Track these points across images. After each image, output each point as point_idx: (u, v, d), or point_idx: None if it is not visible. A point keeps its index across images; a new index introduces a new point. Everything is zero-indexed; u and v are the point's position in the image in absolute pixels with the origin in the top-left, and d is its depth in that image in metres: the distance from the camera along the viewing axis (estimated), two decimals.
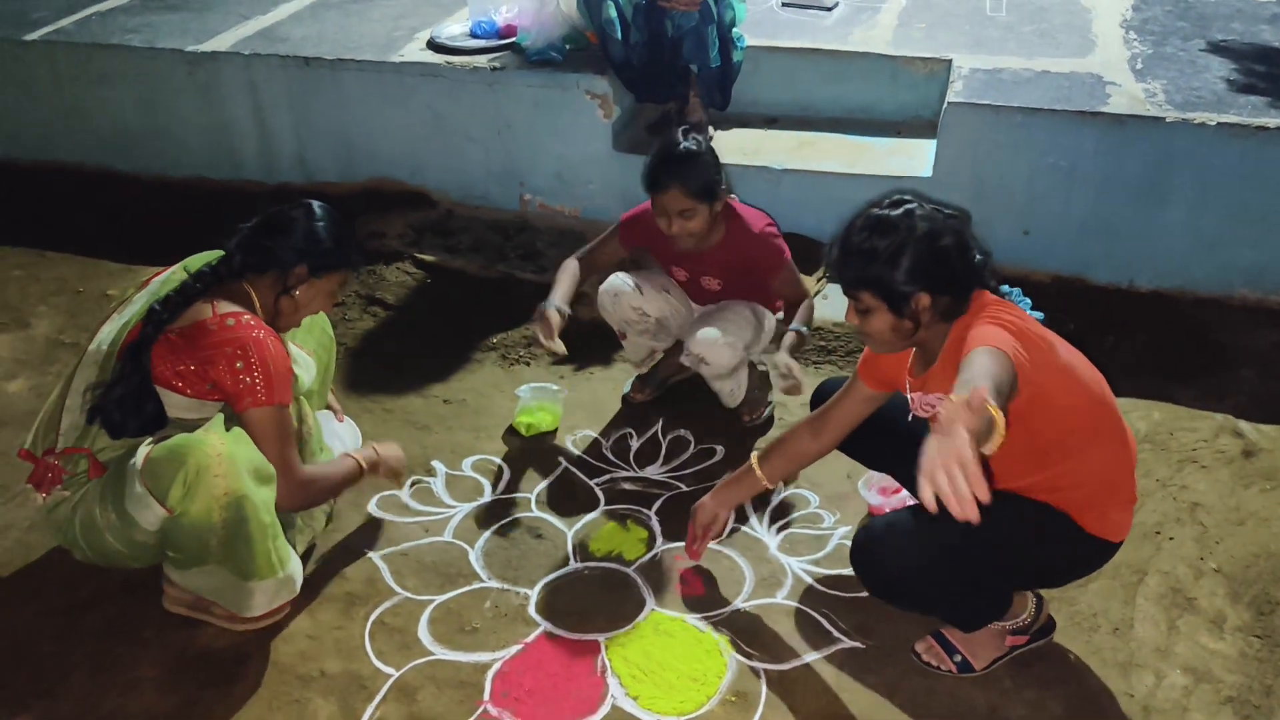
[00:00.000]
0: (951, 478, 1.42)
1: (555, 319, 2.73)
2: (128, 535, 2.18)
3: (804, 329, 2.78)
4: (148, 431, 2.17)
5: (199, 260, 2.30)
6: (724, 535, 2.48)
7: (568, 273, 2.88)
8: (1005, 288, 2.06)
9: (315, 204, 2.31)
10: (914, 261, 1.88)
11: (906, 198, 1.96)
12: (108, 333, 2.26)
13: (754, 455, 2.35)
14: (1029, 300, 2.09)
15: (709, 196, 2.68)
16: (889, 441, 2.28)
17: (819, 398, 2.46)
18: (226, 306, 2.17)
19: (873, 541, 2.13)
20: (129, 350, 2.18)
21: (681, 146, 2.68)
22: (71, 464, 2.20)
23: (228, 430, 2.14)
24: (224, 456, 2.08)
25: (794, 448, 2.32)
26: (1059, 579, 2.20)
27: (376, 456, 2.45)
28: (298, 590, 2.31)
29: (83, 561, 2.32)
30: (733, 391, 2.95)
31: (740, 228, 2.80)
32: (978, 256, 1.97)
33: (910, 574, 2.06)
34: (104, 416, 2.17)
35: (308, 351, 2.55)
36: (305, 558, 2.48)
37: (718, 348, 2.78)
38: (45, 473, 2.22)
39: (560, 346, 2.70)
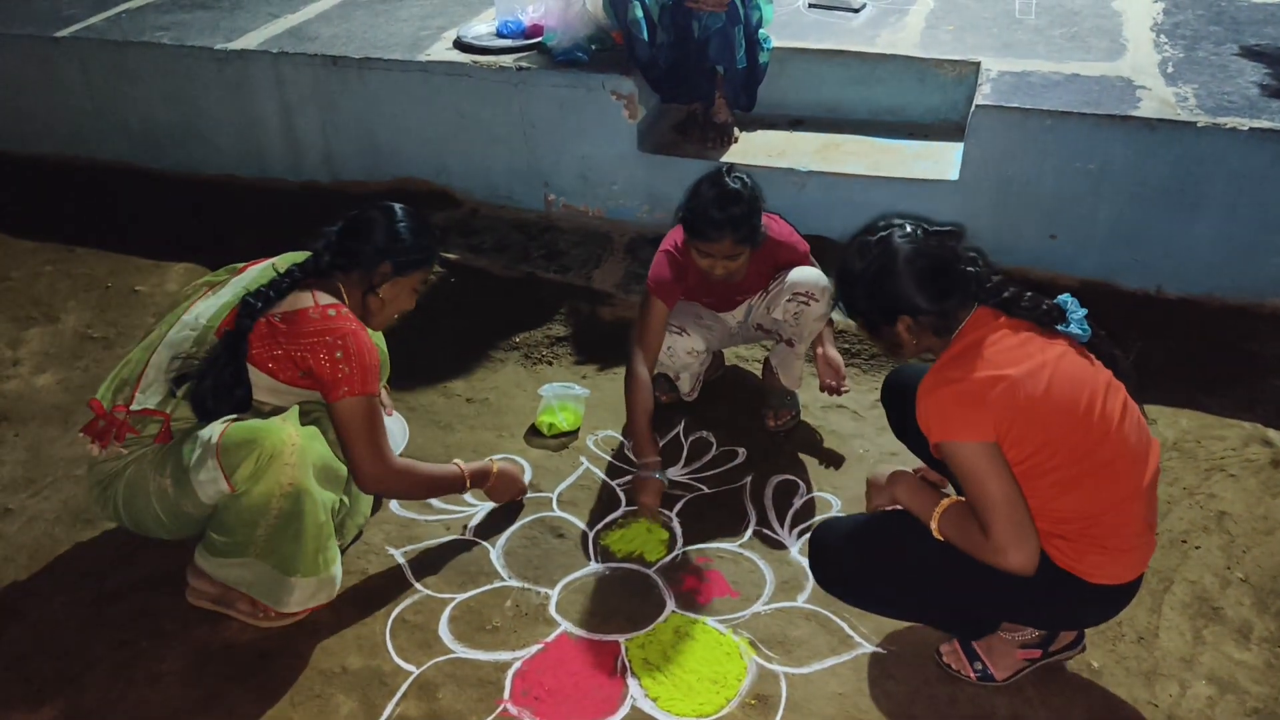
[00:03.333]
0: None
1: (661, 484, 2.64)
2: (176, 505, 2.22)
3: (830, 316, 2.82)
4: (232, 413, 2.22)
5: (288, 260, 2.38)
6: None
7: (642, 401, 2.68)
8: (1063, 297, 2.01)
9: (395, 205, 2.39)
10: (890, 287, 1.95)
11: (893, 223, 2.00)
12: (205, 308, 2.32)
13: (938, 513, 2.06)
14: (1083, 312, 2.00)
15: (758, 239, 2.67)
16: None
17: (891, 386, 2.46)
18: (326, 298, 2.26)
19: (824, 542, 2.18)
20: (227, 336, 2.23)
21: (729, 191, 2.58)
22: (141, 424, 2.24)
23: (303, 426, 2.21)
24: (298, 448, 2.16)
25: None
26: (1037, 614, 2.10)
27: (491, 475, 2.58)
28: (335, 594, 2.34)
29: (106, 519, 2.37)
30: (799, 369, 2.92)
31: (768, 241, 2.76)
32: (973, 269, 1.97)
33: (854, 578, 2.13)
34: (195, 396, 2.21)
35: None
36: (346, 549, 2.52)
37: (822, 284, 2.76)
38: (110, 428, 2.25)
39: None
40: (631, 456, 2.88)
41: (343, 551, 2.48)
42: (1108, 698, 2.16)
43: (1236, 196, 3.20)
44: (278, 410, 2.26)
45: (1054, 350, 1.92)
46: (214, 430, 2.16)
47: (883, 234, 1.99)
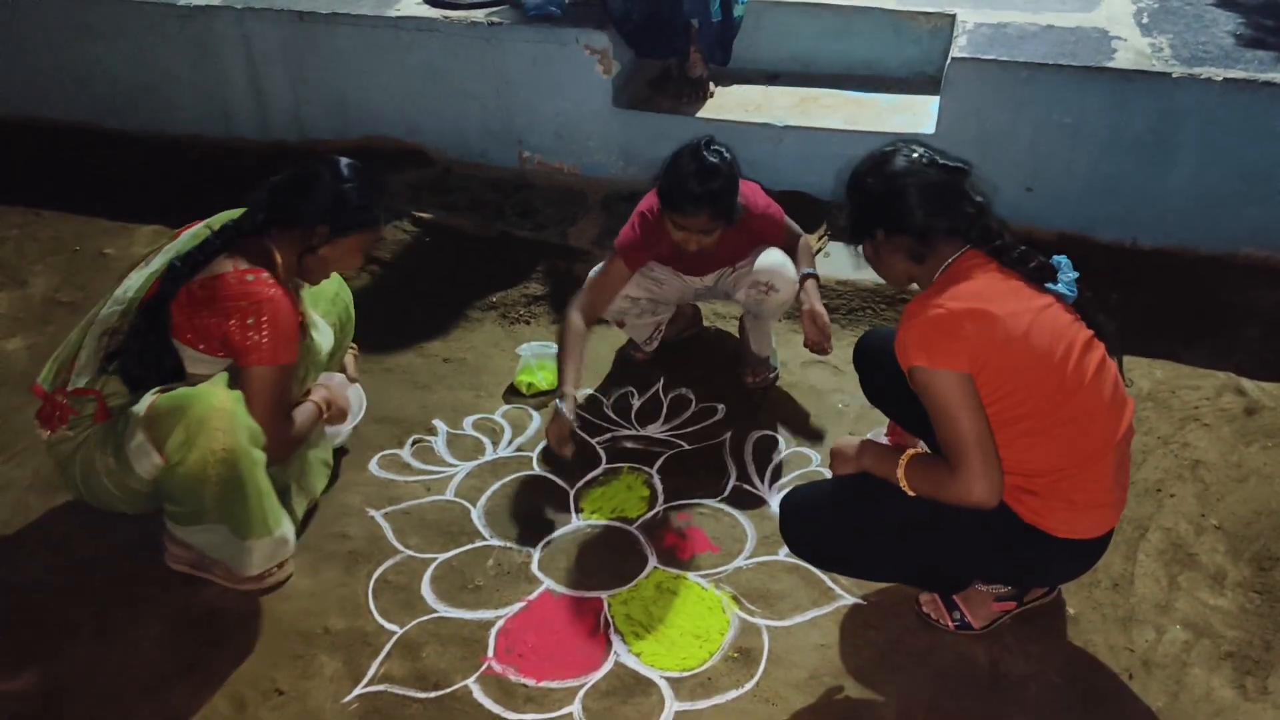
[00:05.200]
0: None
1: (569, 421, 2.53)
2: (123, 481, 2.20)
3: (814, 270, 2.81)
4: (165, 384, 2.18)
5: (223, 219, 2.31)
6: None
7: (575, 345, 2.64)
8: (1059, 259, 2.02)
9: (342, 161, 2.29)
10: (875, 196, 1.99)
11: (908, 144, 2.03)
12: (133, 281, 2.26)
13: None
14: (1074, 275, 1.99)
15: (735, 216, 2.62)
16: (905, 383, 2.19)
17: (863, 351, 2.45)
18: (245, 264, 2.18)
19: (794, 509, 2.16)
20: (148, 305, 2.18)
21: (709, 165, 2.52)
22: (79, 405, 2.21)
23: (231, 389, 2.15)
24: (226, 412, 2.10)
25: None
26: (1008, 572, 2.13)
27: (330, 395, 2.46)
28: (291, 550, 2.33)
29: (77, 499, 2.34)
30: (769, 338, 2.92)
31: (744, 214, 2.69)
32: (968, 209, 1.96)
33: (826, 543, 2.13)
34: (123, 369, 2.18)
35: (329, 322, 2.54)
36: (306, 520, 2.49)
37: (785, 274, 2.74)
38: (53, 411, 2.23)
39: (570, 452, 2.56)
40: (611, 414, 2.88)
41: (307, 515, 2.49)
42: (1085, 643, 2.19)
43: (1211, 148, 3.21)
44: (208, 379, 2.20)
45: (1038, 301, 1.92)
46: (143, 403, 2.13)
47: (888, 149, 2.02)
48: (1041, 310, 1.91)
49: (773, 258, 2.76)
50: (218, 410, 2.09)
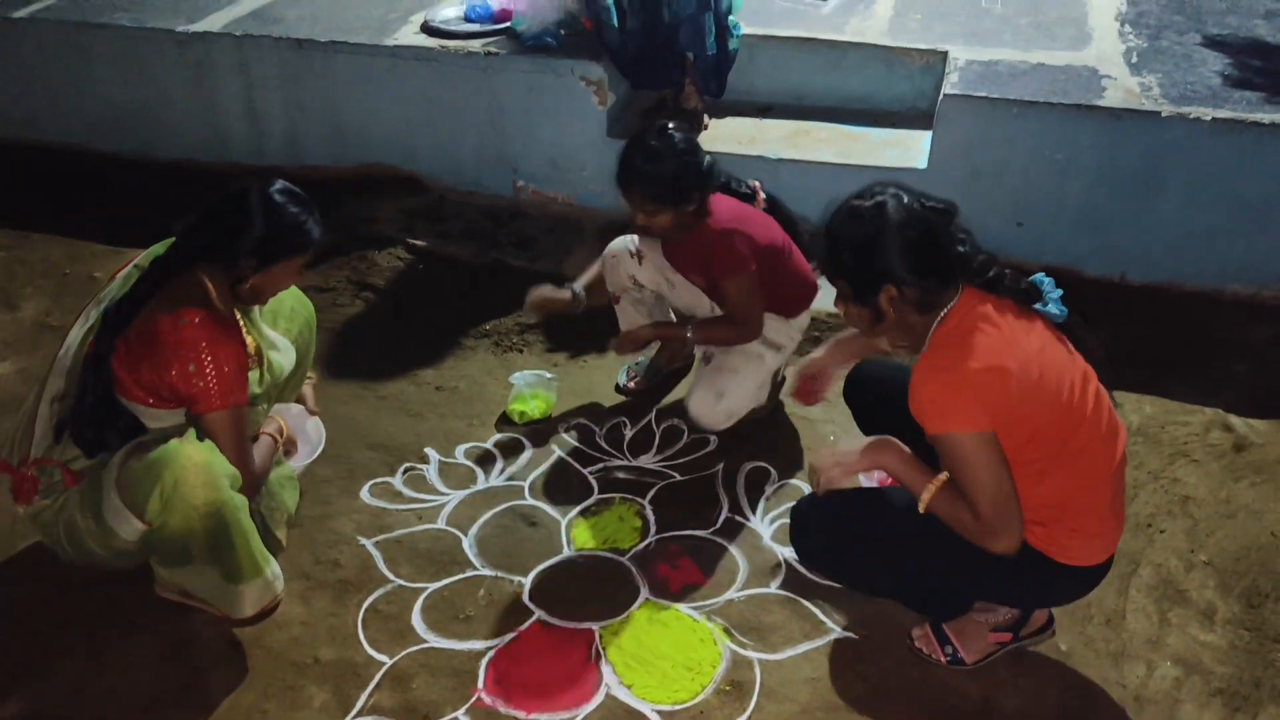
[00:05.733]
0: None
1: (551, 292, 2.82)
2: (108, 543, 2.16)
3: (690, 333, 2.76)
4: (128, 441, 2.13)
5: (151, 254, 2.21)
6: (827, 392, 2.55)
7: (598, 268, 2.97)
8: (1039, 276, 2.03)
9: (268, 188, 2.17)
10: (879, 253, 1.90)
11: (888, 189, 1.95)
12: (73, 338, 2.20)
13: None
14: (1059, 293, 2.01)
15: (670, 200, 2.58)
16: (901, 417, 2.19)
17: (855, 383, 2.45)
18: (178, 305, 2.09)
19: (804, 515, 2.17)
20: (89, 363, 2.12)
21: (648, 144, 2.57)
22: (46, 475, 2.16)
23: (200, 439, 2.11)
24: (201, 466, 2.05)
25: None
26: (1011, 593, 2.13)
27: (282, 427, 2.40)
28: (281, 587, 2.31)
29: (70, 563, 2.29)
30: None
31: (705, 225, 2.66)
32: (961, 250, 1.94)
33: (833, 551, 2.13)
34: (75, 434, 2.13)
35: (290, 338, 2.49)
36: (302, 546, 2.48)
37: (715, 415, 2.80)
38: (22, 483, 2.18)
39: (532, 316, 2.84)
40: (603, 444, 2.89)
41: (293, 537, 2.47)
42: (1077, 679, 2.19)
43: (1200, 185, 3.25)
44: (171, 430, 2.14)
45: (1036, 337, 1.93)
46: (112, 466, 2.09)
47: (878, 198, 1.94)
48: (1042, 350, 1.92)
49: (704, 398, 2.79)
50: (191, 468, 2.04)
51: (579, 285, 2.88)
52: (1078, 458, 1.93)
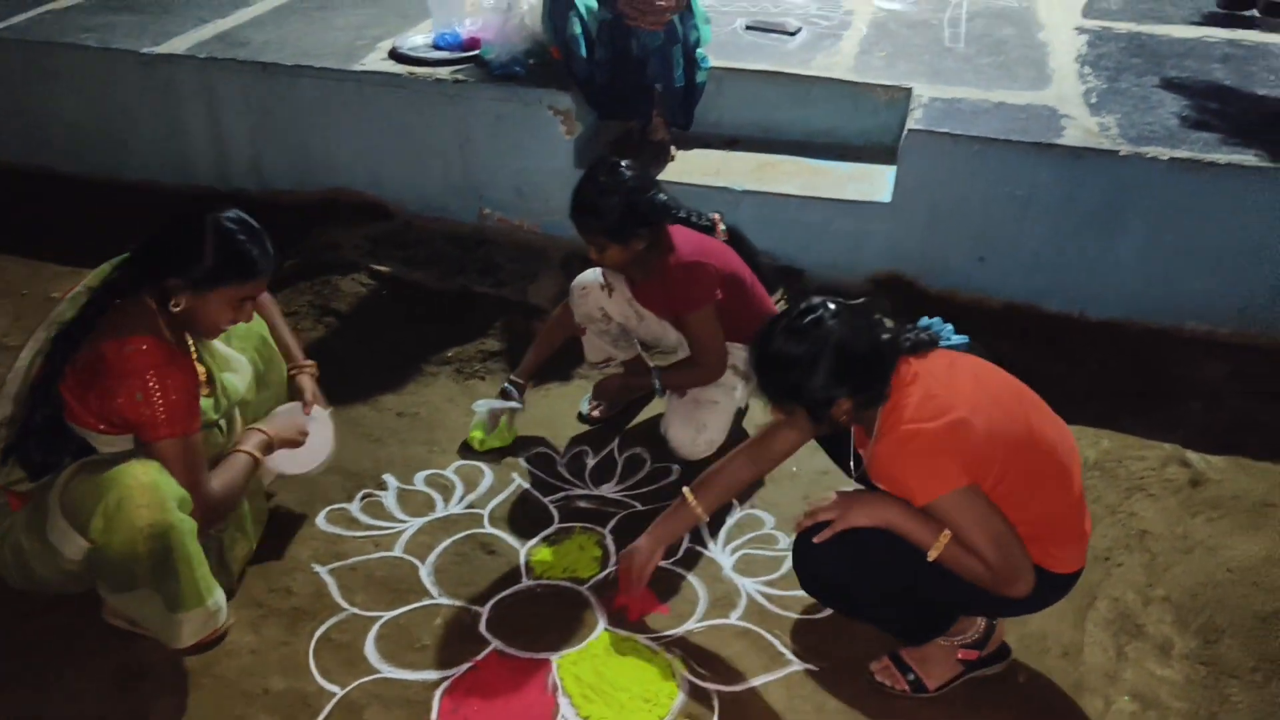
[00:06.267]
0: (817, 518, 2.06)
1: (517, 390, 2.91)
2: (54, 564, 2.12)
3: (658, 383, 2.83)
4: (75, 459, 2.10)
5: (100, 274, 2.18)
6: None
7: (546, 333, 3.01)
8: (924, 320, 2.14)
9: (212, 214, 2.13)
10: (829, 372, 1.94)
11: (815, 304, 1.99)
12: (22, 361, 2.15)
13: (686, 490, 2.30)
14: (950, 326, 2.15)
15: (616, 236, 2.62)
16: None
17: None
18: (126, 331, 2.05)
19: (810, 540, 2.14)
20: (37, 387, 2.08)
21: (596, 179, 2.62)
22: None
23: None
24: (147, 487, 2.02)
25: (730, 478, 2.31)
26: (1006, 604, 2.13)
27: (268, 438, 2.35)
28: (224, 619, 2.23)
29: (16, 588, 2.24)
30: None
31: (666, 260, 2.68)
32: (885, 336, 2.00)
33: (846, 575, 2.09)
34: (21, 458, 2.09)
35: (247, 357, 2.45)
36: (256, 573, 2.44)
37: (697, 446, 2.82)
38: None
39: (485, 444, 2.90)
40: (565, 473, 2.87)
41: (239, 575, 2.42)
42: (1036, 711, 2.18)
43: (1157, 224, 3.30)
44: (122, 455, 2.10)
45: (963, 374, 2.01)
46: (58, 486, 2.06)
47: (816, 315, 1.96)
48: (976, 384, 2.01)
49: (683, 433, 2.82)
50: (137, 487, 2.00)
51: (518, 379, 2.98)
52: (1050, 473, 2.01)
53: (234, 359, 2.40)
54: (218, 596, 2.18)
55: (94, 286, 2.15)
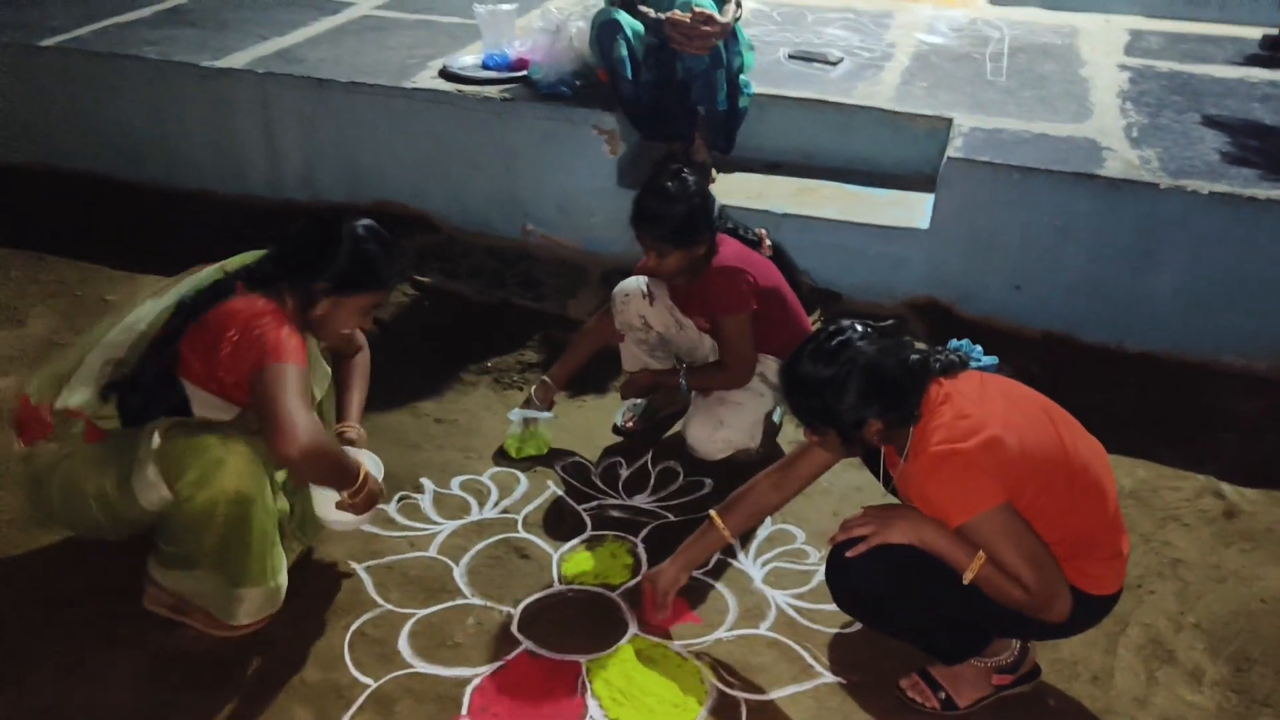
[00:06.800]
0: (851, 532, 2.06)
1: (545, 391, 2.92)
2: (116, 509, 2.17)
3: (684, 378, 2.86)
4: (170, 418, 2.16)
5: (239, 261, 2.30)
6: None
7: (580, 340, 3.02)
8: (954, 341, 2.16)
9: (357, 221, 2.26)
10: (859, 393, 1.96)
11: (844, 326, 2.02)
12: (147, 312, 2.22)
13: (712, 512, 2.33)
14: (979, 347, 2.16)
15: (680, 242, 2.68)
16: None
17: None
18: (257, 299, 2.16)
19: (848, 556, 2.14)
20: (156, 342, 2.16)
21: (662, 187, 2.67)
22: (64, 424, 2.18)
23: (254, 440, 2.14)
24: (246, 456, 2.10)
25: (758, 500, 2.32)
26: (1042, 627, 2.12)
27: (372, 479, 2.28)
28: (281, 603, 2.30)
29: (40, 520, 2.30)
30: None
31: (712, 265, 2.76)
32: (915, 357, 2.02)
33: (881, 591, 2.10)
34: (123, 402, 2.15)
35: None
36: (293, 567, 2.46)
37: (713, 443, 2.86)
38: (35, 424, 2.19)
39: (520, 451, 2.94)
40: (598, 483, 2.90)
41: (294, 559, 2.46)
42: None
43: (1196, 256, 3.30)
44: (216, 425, 2.17)
45: (994, 394, 2.02)
46: (154, 435, 2.11)
47: (843, 338, 1.99)
48: (1009, 403, 2.01)
49: (700, 430, 2.87)
50: (237, 453, 2.09)
51: (537, 387, 3.00)
52: (1085, 490, 2.00)
53: (319, 366, 2.45)
54: (282, 580, 2.24)
55: (230, 269, 2.25)
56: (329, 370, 2.56)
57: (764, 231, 2.93)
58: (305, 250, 2.23)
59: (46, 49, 4.28)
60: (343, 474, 2.19)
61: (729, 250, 2.78)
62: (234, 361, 2.10)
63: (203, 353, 2.14)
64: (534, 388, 2.99)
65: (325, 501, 2.26)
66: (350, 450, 2.35)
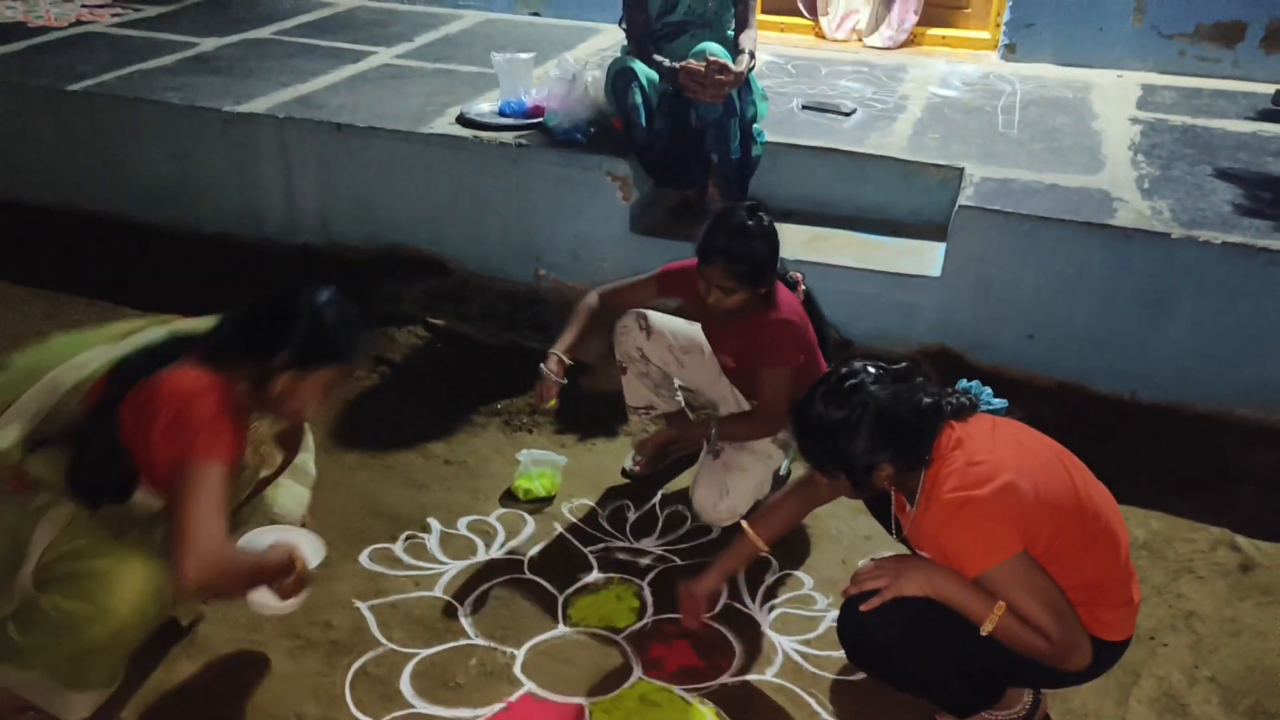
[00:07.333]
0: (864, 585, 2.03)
1: (553, 375, 2.73)
2: None
3: (715, 431, 2.80)
4: (116, 499, 2.02)
5: (189, 327, 2.12)
6: (716, 608, 2.46)
7: (583, 313, 2.84)
8: (963, 382, 2.14)
9: (322, 291, 2.09)
10: (870, 437, 1.96)
11: (856, 368, 2.01)
12: (95, 358, 2.03)
13: (743, 522, 2.35)
14: (989, 390, 2.14)
15: (753, 281, 2.59)
16: None
17: None
18: (195, 369, 1.98)
19: (862, 610, 2.10)
20: (97, 407, 1.99)
21: (743, 224, 2.57)
22: None
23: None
24: (140, 581, 1.96)
25: (787, 509, 2.37)
26: (1057, 675, 2.09)
27: (298, 558, 2.13)
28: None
29: None
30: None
31: (764, 312, 2.68)
32: (927, 400, 2.01)
33: (895, 644, 2.05)
34: (72, 478, 1.99)
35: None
36: (189, 630, 2.39)
37: (719, 512, 2.81)
38: None
39: (547, 404, 2.76)
40: (605, 525, 2.89)
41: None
42: None
43: (1209, 307, 3.29)
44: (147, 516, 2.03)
45: (1005, 438, 2.00)
46: (53, 524, 1.96)
47: (855, 381, 1.98)
48: (1020, 449, 1.99)
49: (708, 495, 2.80)
50: (138, 563, 1.95)
51: (564, 353, 2.78)
52: (1098, 535, 1.98)
53: (302, 472, 2.38)
54: (121, 677, 2.09)
55: (179, 334, 2.09)
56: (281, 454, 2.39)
57: (800, 276, 2.90)
58: (262, 320, 2.05)
59: (74, 93, 4.37)
60: (254, 579, 2.07)
61: (786, 299, 2.71)
62: (162, 445, 1.93)
63: (137, 425, 1.96)
64: (545, 362, 2.77)
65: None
66: (285, 533, 2.24)
